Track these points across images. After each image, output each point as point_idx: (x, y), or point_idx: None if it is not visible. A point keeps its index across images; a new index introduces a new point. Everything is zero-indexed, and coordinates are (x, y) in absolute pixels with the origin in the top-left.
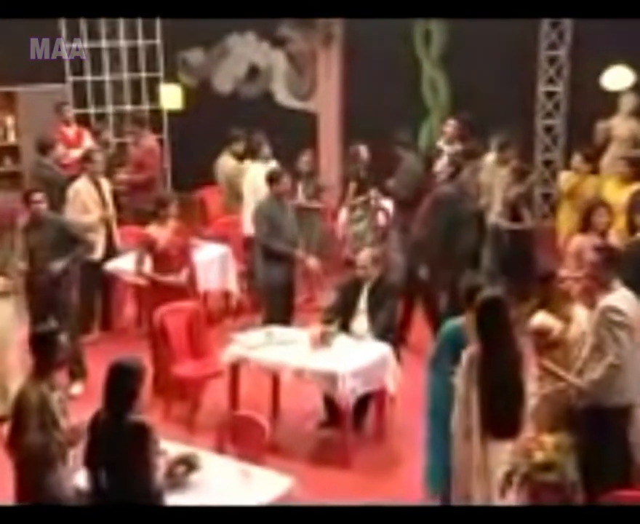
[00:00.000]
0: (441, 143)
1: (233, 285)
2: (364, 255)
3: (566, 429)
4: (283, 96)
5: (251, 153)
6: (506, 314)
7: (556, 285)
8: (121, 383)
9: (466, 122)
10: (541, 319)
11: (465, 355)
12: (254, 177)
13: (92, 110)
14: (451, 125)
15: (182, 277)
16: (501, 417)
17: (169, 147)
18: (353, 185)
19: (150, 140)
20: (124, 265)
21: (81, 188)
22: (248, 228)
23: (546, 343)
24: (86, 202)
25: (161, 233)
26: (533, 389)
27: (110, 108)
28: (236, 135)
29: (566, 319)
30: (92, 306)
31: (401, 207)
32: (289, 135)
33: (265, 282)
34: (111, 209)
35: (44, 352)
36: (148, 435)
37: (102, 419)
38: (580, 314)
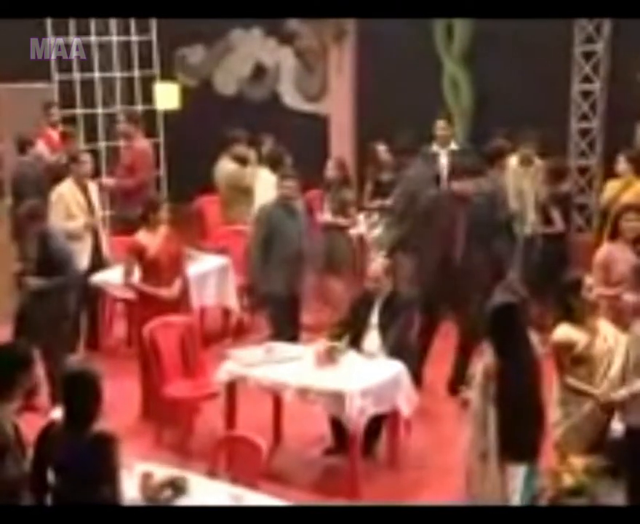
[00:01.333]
0: (435, 147)
1: (232, 301)
2: (375, 266)
3: (598, 452)
4: (291, 98)
5: (265, 158)
6: (522, 321)
7: (582, 295)
8: (83, 391)
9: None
10: (565, 331)
11: (480, 368)
12: (266, 185)
13: (79, 110)
14: (441, 127)
15: (174, 290)
16: (520, 437)
17: (164, 153)
18: (369, 188)
19: (143, 142)
20: (112, 278)
21: (66, 191)
22: None
23: (570, 358)
24: (71, 207)
25: (150, 240)
26: (557, 416)
27: (100, 109)
28: (237, 136)
29: (592, 332)
30: (76, 323)
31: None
32: (298, 141)
33: (266, 292)
34: (99, 216)
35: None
36: (111, 447)
37: (56, 431)
38: (606, 328)
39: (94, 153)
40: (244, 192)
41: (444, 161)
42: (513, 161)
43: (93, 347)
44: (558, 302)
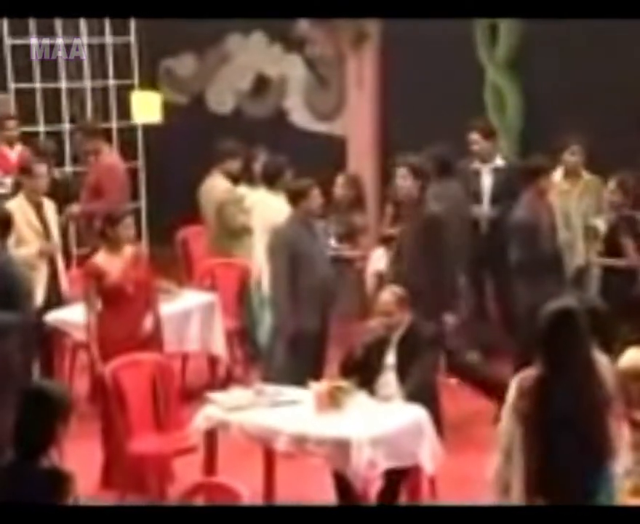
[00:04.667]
0: (477, 164)
1: (219, 347)
2: (386, 297)
3: None
4: (300, 115)
5: (262, 173)
6: (583, 333)
7: None
8: (38, 416)
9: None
10: (635, 356)
11: (513, 384)
12: (265, 208)
13: (41, 127)
14: (474, 141)
15: (145, 327)
16: (559, 475)
17: (145, 179)
18: (389, 210)
19: (110, 156)
20: (72, 316)
21: (15, 210)
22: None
23: None
24: (22, 230)
25: (111, 262)
26: (628, 463)
27: (66, 125)
28: (231, 149)
29: None
30: (25, 374)
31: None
32: (308, 167)
33: (294, 331)
34: (56, 241)
35: None
36: (64, 487)
37: (3, 464)
38: None
39: (59, 182)
40: (239, 218)
41: (486, 180)
42: (557, 176)
43: None
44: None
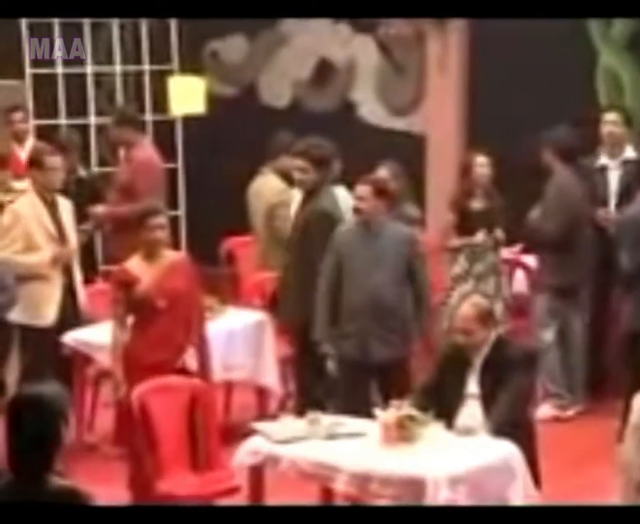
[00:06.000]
0: (604, 159)
1: (271, 377)
2: (466, 310)
3: None
4: (371, 109)
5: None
6: None
7: None
8: (39, 428)
9: None
10: None
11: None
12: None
13: (63, 120)
14: (612, 120)
15: (183, 359)
16: None
17: (184, 182)
18: (450, 219)
19: (144, 150)
20: (95, 337)
21: (24, 210)
22: None
23: None
24: (32, 232)
25: (145, 270)
26: None
27: (92, 119)
28: (286, 143)
29: None
30: None
31: (551, 255)
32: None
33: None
34: (73, 246)
35: None
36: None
37: (4, 487)
38: None
39: (85, 182)
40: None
41: (613, 174)
42: None
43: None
44: None
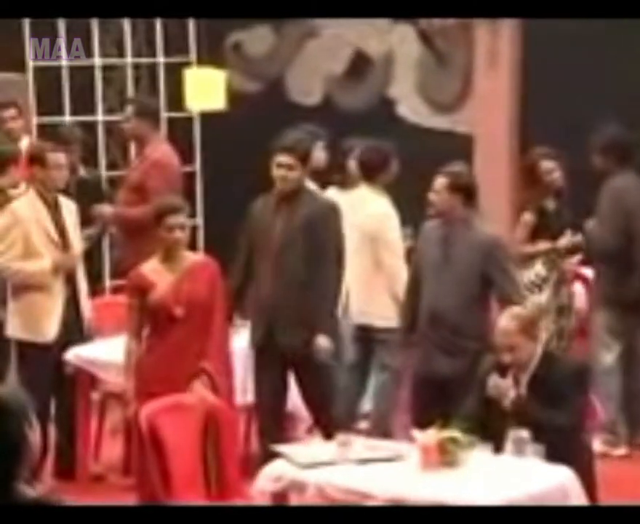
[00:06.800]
0: None
1: (296, 399)
2: (506, 323)
3: None
4: (412, 106)
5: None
6: None
7: None
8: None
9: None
10: None
11: None
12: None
13: (67, 116)
14: None
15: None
16: None
17: (202, 187)
18: (528, 218)
19: (159, 147)
20: (101, 354)
21: (23, 212)
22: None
23: None
24: (31, 237)
25: (162, 274)
26: None
27: (99, 115)
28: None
29: None
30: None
31: (609, 267)
32: (422, 175)
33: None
34: (77, 252)
35: None
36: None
37: None
38: None
39: (89, 183)
40: None
41: None
42: None
43: (66, 472)
44: None
